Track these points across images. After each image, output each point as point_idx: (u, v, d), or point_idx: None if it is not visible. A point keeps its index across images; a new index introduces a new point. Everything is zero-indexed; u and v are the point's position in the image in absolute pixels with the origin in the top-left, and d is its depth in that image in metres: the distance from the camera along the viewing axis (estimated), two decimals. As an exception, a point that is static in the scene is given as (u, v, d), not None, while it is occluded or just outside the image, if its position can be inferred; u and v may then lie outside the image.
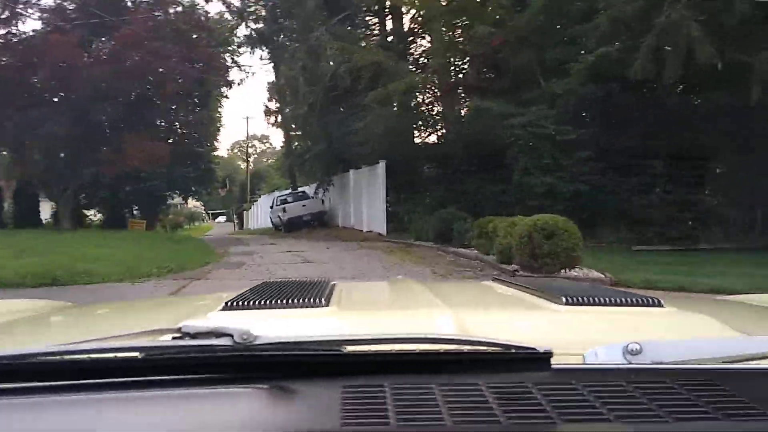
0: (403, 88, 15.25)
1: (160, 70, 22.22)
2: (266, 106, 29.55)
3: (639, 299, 1.16)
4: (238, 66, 28.65)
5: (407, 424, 0.59)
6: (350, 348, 0.73)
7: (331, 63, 17.99)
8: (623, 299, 1.13)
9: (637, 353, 0.74)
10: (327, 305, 1.11)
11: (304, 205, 23.73)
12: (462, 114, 17.02)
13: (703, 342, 0.83)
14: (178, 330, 0.75)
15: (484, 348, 0.74)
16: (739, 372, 0.74)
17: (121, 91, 20.01)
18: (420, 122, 19.06)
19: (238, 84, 30.00)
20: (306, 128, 22.49)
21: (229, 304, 1.12)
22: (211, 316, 1.08)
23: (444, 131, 17.69)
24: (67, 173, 21.26)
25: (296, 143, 27.78)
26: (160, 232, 26.13)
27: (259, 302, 1.13)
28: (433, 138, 19.77)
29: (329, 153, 21.09)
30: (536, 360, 0.73)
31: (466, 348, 0.75)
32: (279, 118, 28.51)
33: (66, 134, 18.98)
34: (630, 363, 0.74)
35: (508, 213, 13.58)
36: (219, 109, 32.24)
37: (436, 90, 18.22)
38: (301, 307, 1.10)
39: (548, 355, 0.73)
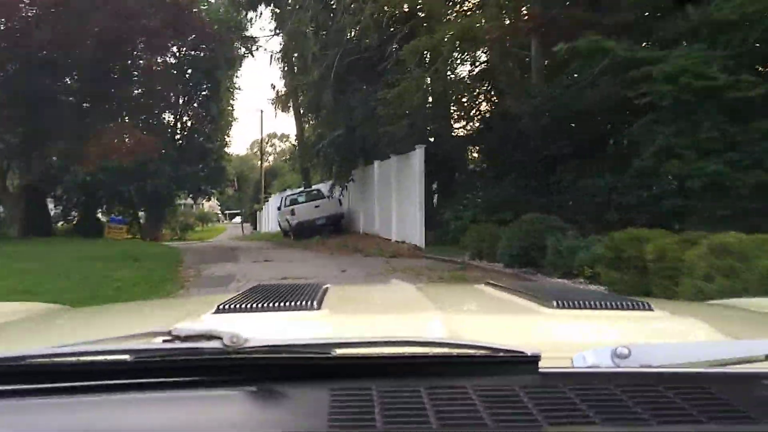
0: (458, 34, 10.23)
1: (144, 40, 17.75)
2: (275, 91, 24.43)
3: (629, 303, 1.14)
4: (241, 39, 23.81)
5: (394, 427, 0.58)
6: (339, 351, 0.72)
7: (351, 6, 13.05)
8: (614, 303, 1.13)
9: (626, 357, 0.73)
10: (319, 308, 1.10)
11: (317, 206, 19.07)
12: (548, 68, 11.86)
13: (691, 346, 0.82)
14: (169, 333, 0.75)
15: (472, 351, 0.73)
16: (726, 375, 0.73)
17: (77, 60, 15.34)
18: (478, 86, 13.91)
19: (241, 59, 25.08)
20: (318, 106, 17.56)
21: (221, 307, 1.10)
22: (202, 319, 1.07)
23: (514, 99, 12.47)
24: (17, 166, 16.69)
25: (307, 128, 22.95)
26: (138, 240, 21.54)
27: (251, 305, 1.11)
28: (486, 118, 14.69)
29: (348, 139, 16.27)
30: (524, 363, 0.72)
31: (455, 351, 0.74)
32: (287, 99, 23.46)
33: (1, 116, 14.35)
34: (618, 366, 0.73)
35: (622, 221, 8.68)
36: (231, 101, 27.89)
37: (492, 42, 12.94)
38: (293, 310, 1.10)
39: (536, 358, 0.72)
